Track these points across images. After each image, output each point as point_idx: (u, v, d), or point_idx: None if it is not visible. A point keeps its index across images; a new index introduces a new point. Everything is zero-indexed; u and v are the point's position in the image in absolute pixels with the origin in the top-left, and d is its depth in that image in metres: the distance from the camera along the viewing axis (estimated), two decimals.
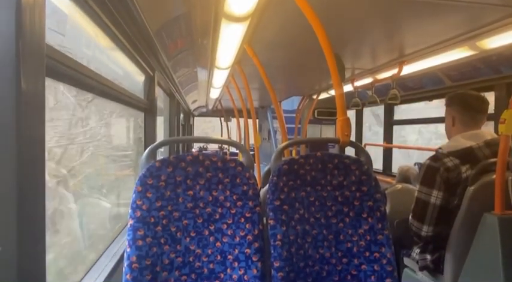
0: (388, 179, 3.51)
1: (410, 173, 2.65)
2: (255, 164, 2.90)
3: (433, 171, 1.59)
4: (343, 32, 1.89)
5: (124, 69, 1.95)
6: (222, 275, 1.21)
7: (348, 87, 3.42)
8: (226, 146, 7.58)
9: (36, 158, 0.70)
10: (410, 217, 1.70)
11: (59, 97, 1.34)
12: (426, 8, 1.50)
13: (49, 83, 0.87)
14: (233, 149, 7.67)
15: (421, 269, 1.69)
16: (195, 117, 9.38)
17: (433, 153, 1.70)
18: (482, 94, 1.74)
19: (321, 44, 1.35)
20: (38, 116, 0.70)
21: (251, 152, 1.39)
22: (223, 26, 1.73)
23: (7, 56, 0.61)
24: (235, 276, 1.21)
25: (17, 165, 0.62)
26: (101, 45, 1.54)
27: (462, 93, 1.75)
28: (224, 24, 1.69)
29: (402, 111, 4.21)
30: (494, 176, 1.40)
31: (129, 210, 1.17)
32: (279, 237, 1.22)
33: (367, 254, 1.28)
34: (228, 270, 1.21)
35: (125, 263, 1.14)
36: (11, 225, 0.61)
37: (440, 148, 1.68)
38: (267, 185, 1.31)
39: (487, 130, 1.70)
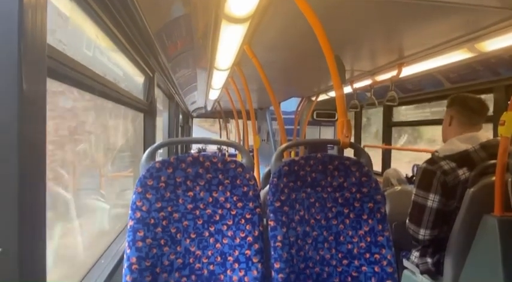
0: None
1: (389, 174, 2.66)
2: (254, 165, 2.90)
3: (430, 174, 1.59)
4: (342, 34, 1.89)
5: (124, 70, 1.95)
6: (222, 277, 1.21)
7: (346, 89, 3.43)
8: (225, 147, 7.58)
9: (37, 159, 0.70)
10: (407, 221, 1.70)
11: None
12: (425, 10, 1.50)
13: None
14: (232, 150, 7.67)
15: (423, 272, 1.69)
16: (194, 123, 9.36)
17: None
18: (483, 98, 1.74)
19: (322, 45, 1.35)
20: (39, 117, 0.70)
21: (250, 153, 1.38)
22: (223, 28, 1.73)
23: (9, 56, 0.61)
24: (235, 278, 1.20)
25: (18, 165, 0.62)
26: (102, 46, 1.54)
27: (464, 95, 1.75)
28: (224, 25, 1.69)
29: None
30: (493, 178, 1.40)
31: (129, 211, 1.17)
32: (279, 238, 1.22)
33: (368, 255, 1.28)
34: (228, 271, 1.21)
35: (125, 264, 1.13)
36: (12, 226, 0.61)
37: (436, 151, 1.68)
38: (267, 186, 1.31)
39: (482, 133, 1.69)
